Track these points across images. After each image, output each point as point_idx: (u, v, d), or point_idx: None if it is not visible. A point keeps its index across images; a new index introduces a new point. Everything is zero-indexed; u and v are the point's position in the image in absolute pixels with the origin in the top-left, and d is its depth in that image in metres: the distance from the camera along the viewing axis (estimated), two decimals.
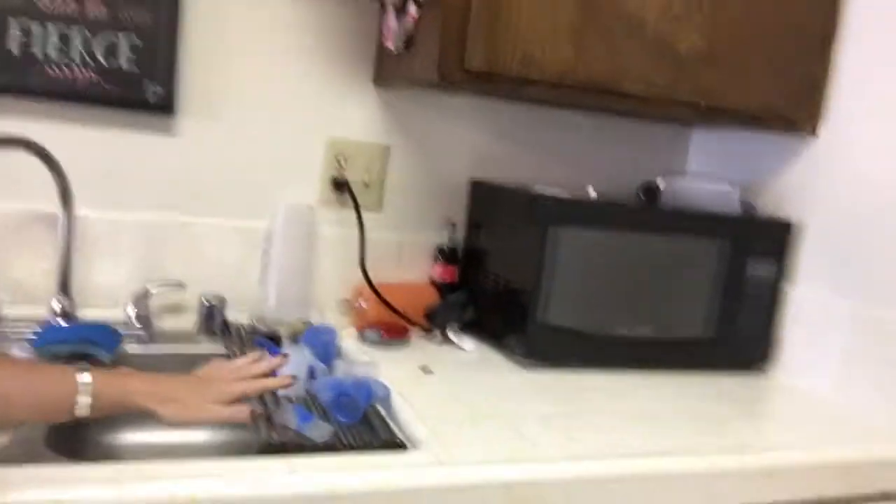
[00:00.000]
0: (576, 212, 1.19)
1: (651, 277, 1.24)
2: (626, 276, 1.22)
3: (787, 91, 1.26)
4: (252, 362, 0.97)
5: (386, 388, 0.98)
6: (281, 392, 0.98)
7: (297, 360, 1.00)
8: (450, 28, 1.06)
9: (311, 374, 1.02)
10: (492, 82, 1.11)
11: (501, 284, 1.27)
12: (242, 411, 0.86)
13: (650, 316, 1.25)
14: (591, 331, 1.22)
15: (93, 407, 0.79)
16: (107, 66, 1.18)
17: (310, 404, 0.96)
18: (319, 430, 0.87)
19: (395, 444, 0.87)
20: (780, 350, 1.32)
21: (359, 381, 0.97)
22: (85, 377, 0.80)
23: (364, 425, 0.91)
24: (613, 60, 1.14)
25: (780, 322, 1.32)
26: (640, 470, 0.88)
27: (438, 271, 1.38)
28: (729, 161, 1.49)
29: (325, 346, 1.11)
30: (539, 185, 1.32)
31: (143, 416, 0.83)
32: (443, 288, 1.37)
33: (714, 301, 1.27)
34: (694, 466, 0.91)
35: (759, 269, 1.29)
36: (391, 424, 0.93)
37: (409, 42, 1.16)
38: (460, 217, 1.42)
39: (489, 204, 1.36)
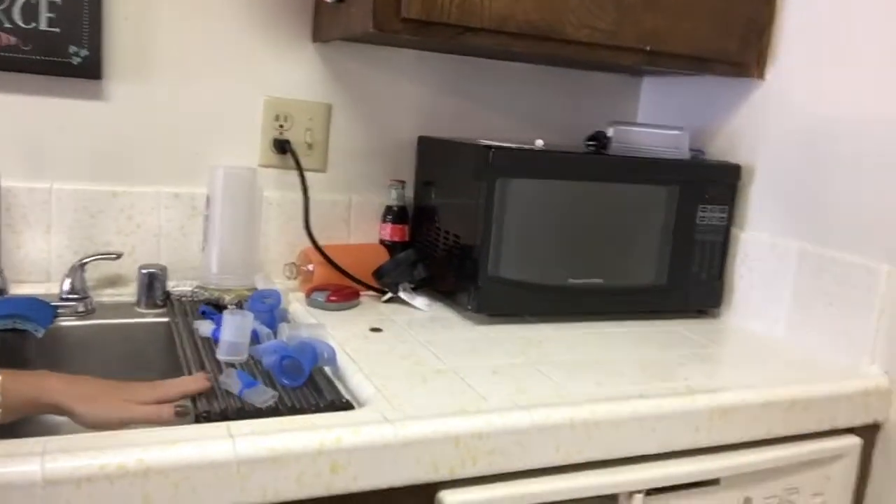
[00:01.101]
0: (523, 162, 1.17)
1: (602, 226, 1.23)
2: (576, 225, 1.21)
3: (732, 34, 1.24)
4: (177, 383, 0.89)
5: (331, 349, 0.95)
6: (224, 358, 0.95)
7: (239, 325, 0.97)
8: None
9: (255, 338, 1.00)
10: (430, 31, 1.08)
11: (451, 240, 1.25)
12: (165, 410, 0.80)
13: (602, 265, 1.24)
14: (543, 282, 1.20)
15: (2, 407, 0.75)
16: (26, 27, 1.12)
17: (254, 370, 0.94)
18: (263, 396, 0.84)
19: (340, 404, 0.85)
20: (733, 294, 1.32)
21: (303, 344, 0.95)
22: None
23: (310, 388, 0.89)
24: (554, 6, 1.11)
25: (731, 267, 1.32)
26: (589, 416, 0.88)
27: (388, 231, 1.35)
28: (679, 109, 1.47)
29: (270, 311, 1.08)
30: (487, 139, 1.29)
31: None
32: (393, 248, 1.34)
33: (665, 248, 1.27)
34: (643, 410, 0.91)
35: (709, 215, 1.29)
36: (338, 385, 0.91)
37: None
38: (408, 175, 1.39)
39: (437, 160, 1.33)
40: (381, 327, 1.12)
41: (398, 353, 1.02)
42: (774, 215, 1.26)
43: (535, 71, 1.47)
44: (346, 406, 0.85)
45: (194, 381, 0.86)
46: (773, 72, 1.27)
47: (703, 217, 1.28)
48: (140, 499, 0.68)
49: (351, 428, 0.77)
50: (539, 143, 1.24)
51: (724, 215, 1.30)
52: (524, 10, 1.09)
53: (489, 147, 1.15)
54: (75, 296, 1.14)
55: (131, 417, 0.79)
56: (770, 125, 1.27)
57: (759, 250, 1.28)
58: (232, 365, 0.94)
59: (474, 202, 1.17)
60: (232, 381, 0.87)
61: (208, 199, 1.24)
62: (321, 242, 1.28)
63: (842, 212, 1.16)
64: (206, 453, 0.70)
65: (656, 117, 1.52)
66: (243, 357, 0.96)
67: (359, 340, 1.05)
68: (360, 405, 0.86)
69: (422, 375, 0.94)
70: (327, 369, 0.96)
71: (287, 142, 1.30)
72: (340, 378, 0.94)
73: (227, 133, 1.28)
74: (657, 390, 0.95)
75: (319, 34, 1.28)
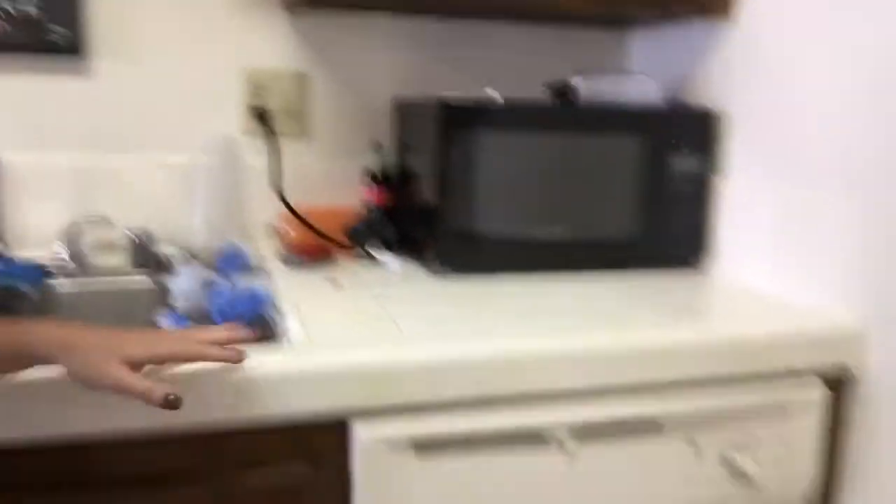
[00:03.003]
0: (485, 115, 1.17)
1: (570, 178, 1.21)
2: (544, 178, 1.20)
3: None
4: (205, 329, 0.79)
5: (268, 295, 0.99)
6: (178, 304, 1.01)
7: (190, 275, 1.02)
8: None
9: (206, 288, 1.05)
10: None
11: (421, 198, 1.27)
12: (153, 391, 0.66)
13: (572, 217, 1.22)
14: (511, 235, 1.20)
15: None
16: (12, 12, 1.21)
17: (201, 318, 0.99)
18: None
19: (265, 339, 0.89)
20: (713, 243, 1.28)
21: (247, 293, 0.99)
22: None
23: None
24: None
25: (710, 215, 1.28)
26: (511, 350, 0.88)
27: (369, 194, 1.38)
28: (650, 58, 1.43)
29: (235, 265, 1.14)
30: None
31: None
32: (375, 211, 1.37)
33: (640, 199, 1.24)
34: (574, 345, 0.90)
35: (685, 163, 1.25)
36: (273, 328, 0.95)
37: None
38: (389, 139, 1.41)
39: (411, 122, 1.35)
40: (344, 283, 1.15)
41: (346, 304, 1.04)
42: (752, 161, 1.22)
43: (514, 29, 1.46)
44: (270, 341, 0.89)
45: (223, 352, 0.75)
46: (746, 15, 1.22)
47: (678, 166, 1.25)
48: None
49: (262, 357, 0.80)
50: (491, 91, 1.23)
51: (701, 164, 1.26)
52: None
53: (446, 101, 1.16)
54: (68, 259, 1.22)
55: (109, 385, 0.66)
56: (744, 70, 1.22)
57: (736, 197, 1.24)
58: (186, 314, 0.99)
59: (436, 157, 1.18)
60: (164, 322, 0.93)
61: (193, 168, 1.31)
62: (304, 207, 1.32)
63: (817, 155, 1.10)
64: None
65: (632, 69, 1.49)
66: (196, 304, 1.02)
67: (313, 292, 1.09)
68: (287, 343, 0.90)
69: (358, 320, 0.96)
70: (271, 318, 1.00)
71: (265, 110, 1.35)
72: (281, 325, 0.98)
73: (208, 103, 1.34)
74: (596, 328, 0.95)
75: (292, 3, 1.32)
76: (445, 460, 0.86)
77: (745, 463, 0.97)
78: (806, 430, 1.02)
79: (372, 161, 1.38)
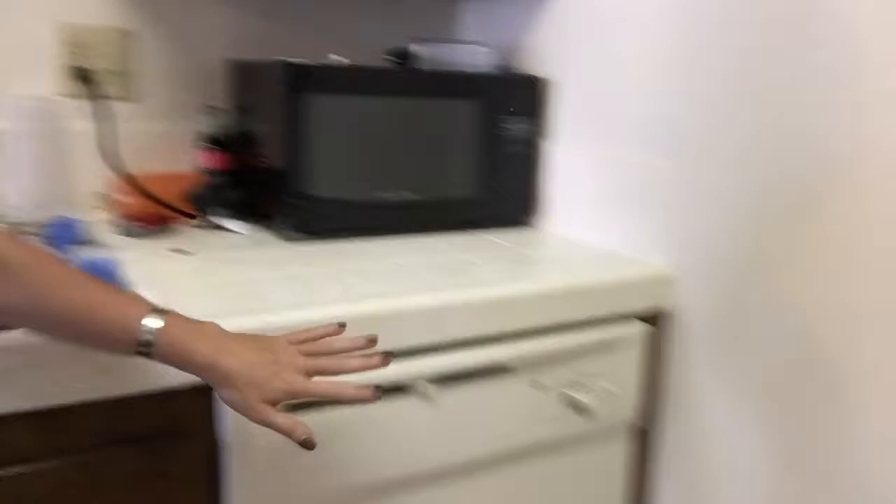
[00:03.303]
0: (326, 78, 1.18)
1: (411, 141, 1.26)
2: (385, 141, 1.24)
3: None
4: (330, 334, 0.80)
5: (112, 264, 0.95)
6: None
7: None
8: None
9: None
10: None
11: (265, 163, 1.25)
12: (295, 431, 0.71)
13: (414, 179, 1.27)
14: (356, 198, 1.23)
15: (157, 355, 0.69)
16: None
17: None
18: None
19: None
20: (543, 202, 1.39)
21: (90, 266, 0.94)
22: (153, 321, 0.69)
23: None
24: None
25: (540, 176, 1.39)
26: (371, 310, 0.92)
27: (205, 158, 1.34)
28: (484, 26, 1.51)
29: (67, 238, 1.07)
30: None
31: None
32: (212, 175, 1.33)
33: (475, 160, 1.32)
34: (428, 302, 0.95)
35: (515, 126, 1.34)
36: None
37: None
38: (223, 101, 1.37)
39: (248, 84, 1.33)
40: (189, 250, 1.12)
41: (196, 270, 1.03)
42: (575, 124, 1.33)
43: None
44: None
45: (364, 361, 0.77)
46: None
47: (510, 129, 1.33)
48: None
49: None
50: (336, 57, 1.24)
51: (530, 127, 1.35)
52: None
53: (290, 63, 1.15)
54: None
55: (262, 422, 0.72)
56: (568, 39, 1.33)
57: (563, 158, 1.35)
58: None
59: (281, 121, 1.18)
60: None
61: (5, 134, 1.20)
62: (136, 172, 1.26)
63: (632, 117, 1.23)
64: None
65: (466, 35, 1.55)
66: None
67: (160, 262, 1.05)
68: None
69: (217, 288, 0.96)
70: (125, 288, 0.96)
71: (88, 71, 1.26)
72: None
73: (20, 63, 1.23)
74: (446, 285, 1.01)
75: None
76: (316, 415, 0.89)
77: (581, 397, 1.09)
78: (629, 364, 1.15)
79: (206, 124, 1.34)
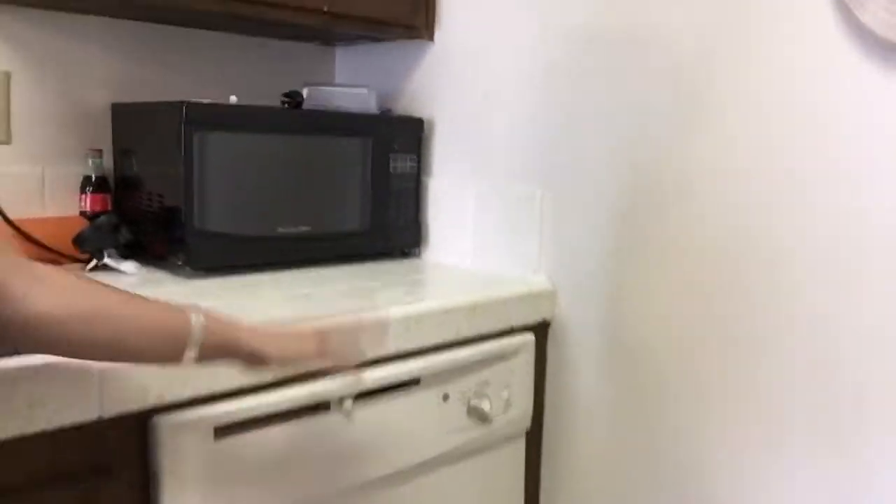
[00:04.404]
0: (220, 117, 1.22)
1: (304, 177, 1.32)
2: (279, 177, 1.29)
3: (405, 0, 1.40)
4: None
5: None
6: None
7: None
8: None
9: None
10: None
11: (157, 202, 1.26)
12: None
13: (307, 214, 1.33)
14: (252, 233, 1.26)
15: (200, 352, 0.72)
16: None
17: None
18: None
19: None
20: (429, 235, 1.49)
21: None
22: (197, 318, 0.72)
23: None
24: None
25: (424, 209, 1.49)
26: None
27: (88, 201, 1.32)
28: (368, 75, 1.61)
29: None
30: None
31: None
32: (95, 219, 1.31)
33: (365, 196, 1.39)
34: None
35: (401, 164, 1.43)
36: None
37: None
38: (107, 144, 1.36)
39: (136, 125, 1.33)
40: None
41: None
42: (455, 160, 1.45)
43: (231, 40, 1.51)
44: None
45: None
46: (441, 34, 1.45)
47: (396, 166, 1.43)
48: None
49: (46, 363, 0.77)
50: (233, 98, 1.29)
51: (414, 164, 1.45)
52: None
53: (183, 103, 1.18)
54: None
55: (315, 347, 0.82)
56: (443, 82, 1.45)
57: (445, 192, 1.46)
58: None
59: (175, 160, 1.19)
60: None
61: None
62: (13, 218, 1.22)
63: (505, 151, 1.36)
64: None
65: (348, 80, 1.64)
66: None
67: None
68: None
69: None
70: None
71: None
72: None
73: None
74: (358, 308, 1.07)
75: None
76: (244, 439, 0.91)
77: (484, 405, 1.18)
78: (523, 372, 1.26)
79: (89, 167, 1.32)
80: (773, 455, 1.09)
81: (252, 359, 0.77)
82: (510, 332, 1.24)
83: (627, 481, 1.24)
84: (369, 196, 1.40)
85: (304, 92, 1.38)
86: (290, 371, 0.87)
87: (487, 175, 1.39)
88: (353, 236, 1.39)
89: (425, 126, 1.47)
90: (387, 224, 1.43)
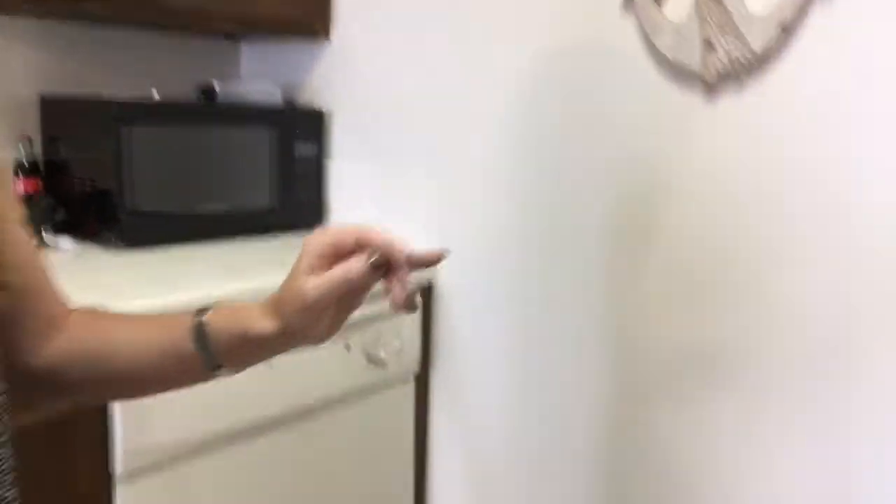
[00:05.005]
0: (146, 111, 1.40)
1: (220, 162, 1.52)
2: (199, 162, 1.48)
3: (303, 2, 1.60)
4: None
5: None
6: None
7: None
8: None
9: None
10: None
11: (89, 186, 1.43)
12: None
13: (225, 194, 1.53)
14: (177, 211, 1.46)
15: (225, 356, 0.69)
16: None
17: None
18: None
19: None
20: (330, 212, 1.72)
21: None
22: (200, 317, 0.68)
23: None
24: None
25: (327, 189, 1.71)
26: (178, 302, 1.16)
27: (21, 185, 1.47)
28: (271, 66, 1.80)
29: None
30: (107, 97, 1.48)
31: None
32: (28, 200, 1.46)
33: (273, 177, 1.61)
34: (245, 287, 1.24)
35: (305, 150, 1.65)
36: None
37: None
38: (36, 133, 1.51)
39: (64, 116, 1.48)
40: None
41: None
42: (353, 147, 1.68)
43: (145, 36, 1.67)
44: None
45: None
46: (337, 34, 1.66)
47: (300, 152, 1.64)
48: None
49: None
50: (154, 92, 1.47)
51: (316, 149, 1.67)
52: None
53: (114, 100, 1.36)
54: None
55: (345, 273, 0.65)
56: (339, 77, 1.67)
57: (345, 175, 1.69)
58: None
59: (107, 149, 1.37)
60: None
61: None
62: None
63: (394, 136, 1.60)
64: None
65: (254, 73, 1.84)
66: None
67: None
68: None
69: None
70: None
71: None
72: None
73: None
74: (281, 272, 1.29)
75: None
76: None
77: (379, 353, 1.43)
78: (412, 325, 1.52)
79: (20, 153, 1.47)
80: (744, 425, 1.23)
81: (286, 329, 0.67)
82: None
83: (514, 416, 1.53)
84: (277, 177, 1.61)
85: (216, 85, 1.57)
86: (355, 304, 0.70)
87: (383, 161, 1.63)
88: (265, 213, 1.60)
89: (325, 116, 1.69)
90: (294, 201, 1.65)
